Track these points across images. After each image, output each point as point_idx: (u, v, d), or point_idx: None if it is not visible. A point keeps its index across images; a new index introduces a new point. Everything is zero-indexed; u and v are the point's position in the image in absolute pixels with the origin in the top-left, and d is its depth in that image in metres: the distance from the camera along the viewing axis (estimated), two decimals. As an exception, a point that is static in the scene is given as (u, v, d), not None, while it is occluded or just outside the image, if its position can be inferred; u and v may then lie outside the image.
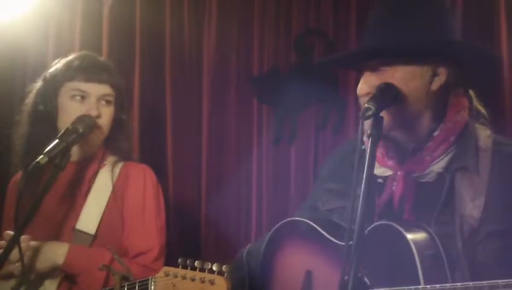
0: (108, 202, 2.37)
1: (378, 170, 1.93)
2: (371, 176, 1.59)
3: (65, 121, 2.34)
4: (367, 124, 1.68)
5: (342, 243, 1.81)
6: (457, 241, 1.75)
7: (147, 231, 2.36)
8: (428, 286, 1.60)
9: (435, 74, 1.84)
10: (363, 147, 1.64)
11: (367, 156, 1.61)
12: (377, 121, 1.67)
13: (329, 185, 2.04)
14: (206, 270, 1.70)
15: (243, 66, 3.05)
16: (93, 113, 2.34)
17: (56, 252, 2.24)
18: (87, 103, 2.36)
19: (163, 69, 3.11)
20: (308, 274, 1.90)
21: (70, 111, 2.36)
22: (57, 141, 2.15)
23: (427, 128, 1.87)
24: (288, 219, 2.00)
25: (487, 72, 2.29)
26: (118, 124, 2.46)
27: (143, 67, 3.12)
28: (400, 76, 1.82)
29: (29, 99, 2.48)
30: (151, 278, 1.87)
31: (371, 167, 1.59)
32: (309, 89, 2.90)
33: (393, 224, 1.74)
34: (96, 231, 2.32)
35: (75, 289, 2.26)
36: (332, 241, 1.90)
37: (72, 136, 2.20)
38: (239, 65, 3.06)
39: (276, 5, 3.01)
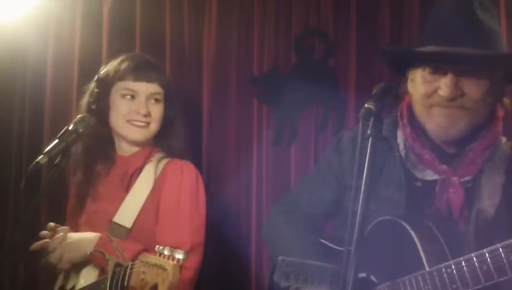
0: (147, 198, 2.42)
1: (421, 173, 1.93)
2: (372, 176, 1.58)
3: (116, 119, 2.49)
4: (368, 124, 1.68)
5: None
6: (471, 232, 1.80)
7: (178, 228, 2.38)
8: (432, 268, 1.67)
9: (503, 92, 1.89)
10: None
11: (367, 156, 1.61)
12: (378, 120, 1.67)
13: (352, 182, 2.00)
14: (166, 257, 1.73)
15: (242, 66, 3.05)
16: (143, 111, 2.46)
17: (85, 243, 2.30)
18: (137, 101, 2.48)
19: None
20: None
21: (120, 109, 2.48)
22: (56, 141, 2.16)
23: (474, 133, 1.89)
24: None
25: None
26: (167, 121, 2.56)
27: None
28: (489, 84, 1.83)
29: (84, 99, 2.59)
30: (130, 266, 1.92)
31: (372, 167, 1.59)
32: (309, 89, 2.90)
33: (396, 219, 1.76)
34: (133, 225, 2.37)
35: None
36: (335, 249, 1.91)
37: (72, 136, 2.20)
38: (239, 65, 3.06)
39: (276, 5, 3.01)
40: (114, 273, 2.00)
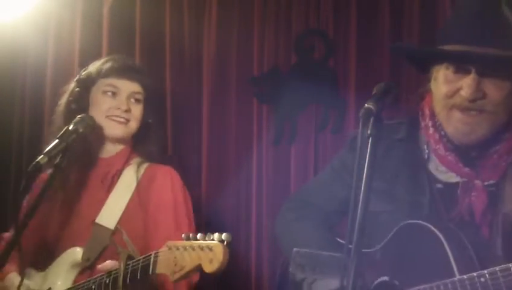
0: (130, 200, 2.40)
1: (443, 175, 1.90)
2: (372, 176, 1.58)
3: (95, 114, 2.43)
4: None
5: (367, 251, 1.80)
6: (497, 237, 1.77)
7: (180, 226, 2.36)
8: (465, 276, 1.62)
9: None
10: None
11: (367, 156, 1.61)
12: (378, 121, 1.67)
13: (382, 182, 1.90)
14: (204, 240, 1.74)
15: (243, 66, 3.05)
16: (123, 107, 2.44)
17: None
18: (118, 98, 2.46)
19: (163, 69, 3.11)
20: None
21: (101, 105, 2.45)
22: (56, 141, 2.16)
23: (497, 136, 1.86)
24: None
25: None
26: (146, 126, 2.54)
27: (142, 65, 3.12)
28: (508, 91, 1.80)
29: (63, 99, 2.56)
30: (154, 253, 1.91)
31: (372, 167, 1.58)
32: (309, 89, 2.90)
33: (425, 223, 1.73)
34: (115, 226, 2.34)
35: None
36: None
37: (72, 136, 2.21)
38: (239, 65, 3.06)
39: (276, 5, 3.01)
40: (128, 265, 1.99)
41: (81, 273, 2.29)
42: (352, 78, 2.86)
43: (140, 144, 2.54)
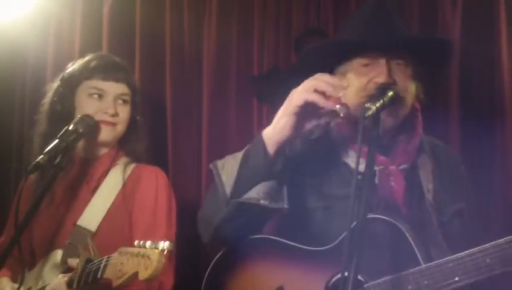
0: (114, 201, 2.36)
1: (361, 166, 1.91)
2: (372, 177, 1.59)
3: None
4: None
5: (318, 249, 1.86)
6: (434, 221, 1.89)
7: (157, 230, 2.34)
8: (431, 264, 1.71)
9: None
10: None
11: (367, 157, 1.61)
12: (376, 121, 1.67)
13: (306, 180, 2.00)
14: (151, 248, 1.73)
15: (243, 66, 3.05)
16: (111, 111, 2.38)
17: None
18: (105, 101, 2.40)
19: (163, 69, 3.11)
20: None
21: (87, 109, 2.38)
22: (57, 141, 2.15)
23: (402, 124, 1.97)
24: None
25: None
26: (132, 125, 2.49)
27: (143, 67, 3.12)
28: (411, 73, 1.92)
29: (47, 98, 2.51)
30: (106, 258, 1.89)
31: (372, 167, 1.59)
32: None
33: (378, 216, 1.79)
34: (97, 228, 2.31)
35: None
36: (304, 249, 1.90)
37: (72, 136, 2.20)
38: (239, 65, 3.06)
39: (276, 5, 3.01)
40: (84, 268, 1.98)
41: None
42: (352, 78, 2.86)
43: (128, 143, 2.50)
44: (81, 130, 2.24)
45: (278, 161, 1.89)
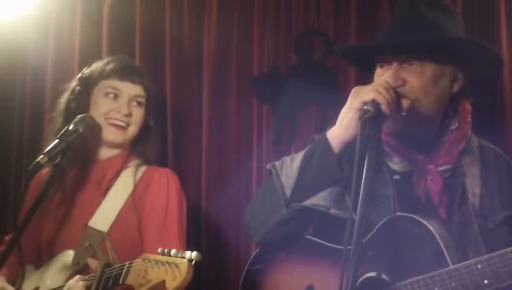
0: (125, 203, 2.37)
1: (398, 166, 1.96)
2: (372, 177, 1.58)
3: (95, 116, 2.39)
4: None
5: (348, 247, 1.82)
6: (474, 225, 1.85)
7: (168, 234, 2.35)
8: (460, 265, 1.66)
9: (455, 78, 1.96)
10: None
11: (366, 157, 1.61)
12: (376, 122, 1.67)
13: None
14: (176, 257, 1.72)
15: (242, 66, 3.05)
16: (124, 111, 2.40)
17: None
18: (120, 101, 2.43)
19: (163, 68, 3.11)
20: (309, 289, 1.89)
21: (101, 107, 2.42)
22: (57, 141, 2.15)
23: (441, 123, 1.96)
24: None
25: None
26: (146, 129, 2.51)
27: (143, 67, 3.11)
28: (430, 73, 1.90)
29: (63, 97, 2.53)
30: (128, 263, 1.88)
31: (371, 167, 1.58)
32: (309, 89, 2.90)
33: (409, 215, 1.77)
34: (109, 229, 2.31)
35: None
36: (333, 248, 1.89)
37: (72, 136, 2.20)
38: (239, 65, 3.05)
39: (276, 5, 3.01)
40: (104, 272, 1.96)
41: (73, 275, 2.22)
42: (352, 78, 2.86)
43: (140, 146, 2.52)
44: (81, 130, 2.24)
45: (344, 165, 1.87)
